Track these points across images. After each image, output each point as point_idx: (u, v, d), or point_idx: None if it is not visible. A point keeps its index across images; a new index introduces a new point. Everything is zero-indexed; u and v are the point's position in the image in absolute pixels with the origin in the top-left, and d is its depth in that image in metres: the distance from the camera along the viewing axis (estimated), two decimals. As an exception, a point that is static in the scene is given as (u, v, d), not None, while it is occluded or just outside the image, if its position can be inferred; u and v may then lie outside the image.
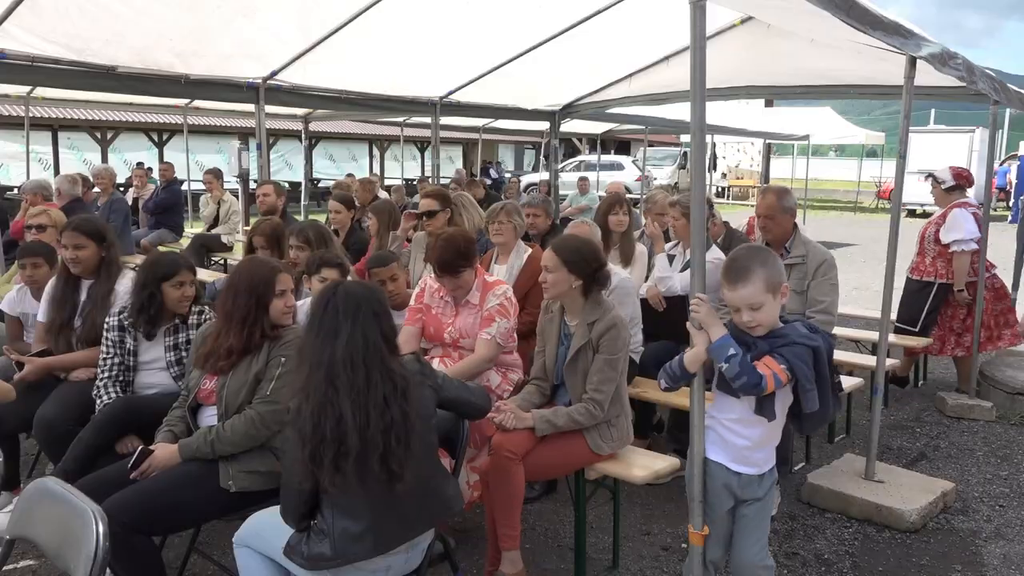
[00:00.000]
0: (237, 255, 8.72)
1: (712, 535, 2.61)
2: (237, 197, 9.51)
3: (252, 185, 8.68)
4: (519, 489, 3.08)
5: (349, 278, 3.82)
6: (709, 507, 2.61)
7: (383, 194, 10.50)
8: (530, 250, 4.62)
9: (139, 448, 2.78)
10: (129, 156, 21.20)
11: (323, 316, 2.30)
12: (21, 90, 8.44)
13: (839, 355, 5.16)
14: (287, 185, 8.24)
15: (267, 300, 2.87)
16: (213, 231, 9.07)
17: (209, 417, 2.95)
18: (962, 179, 5.58)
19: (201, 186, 9.77)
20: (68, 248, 3.67)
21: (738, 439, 2.55)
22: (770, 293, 2.43)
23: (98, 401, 3.28)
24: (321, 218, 6.22)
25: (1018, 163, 22.39)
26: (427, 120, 9.19)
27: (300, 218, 7.21)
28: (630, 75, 7.78)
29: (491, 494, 3.12)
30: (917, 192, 21.03)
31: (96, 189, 8.80)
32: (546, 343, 3.38)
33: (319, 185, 21.63)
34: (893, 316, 4.87)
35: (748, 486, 2.57)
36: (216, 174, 9.44)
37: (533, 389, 3.39)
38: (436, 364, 3.54)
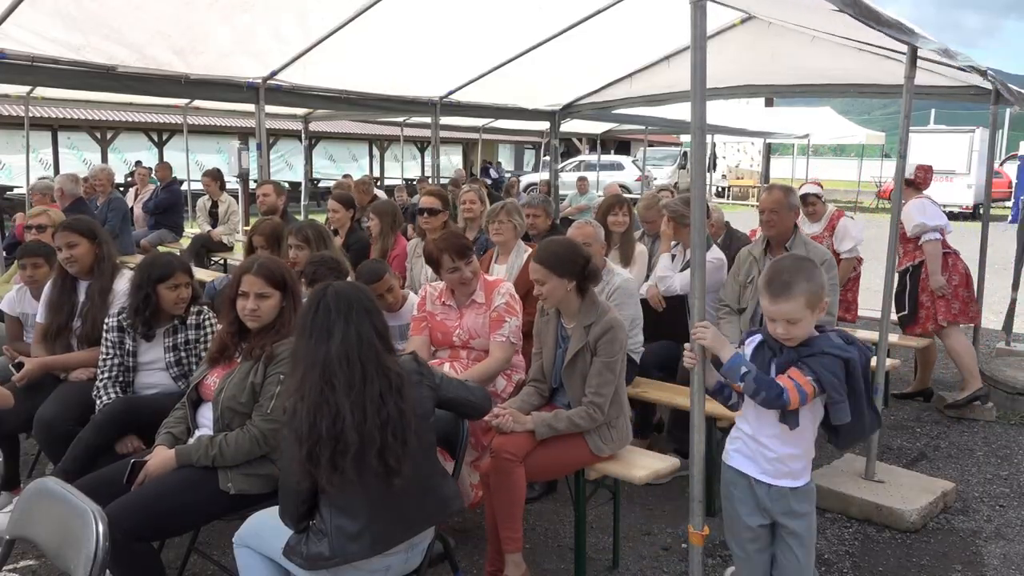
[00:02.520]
0: (237, 255, 8.72)
1: (748, 561, 2.54)
2: (237, 198, 9.50)
3: (252, 185, 8.68)
4: (520, 492, 3.07)
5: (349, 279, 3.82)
6: (734, 521, 2.54)
7: (381, 194, 10.47)
8: (530, 250, 4.61)
9: (132, 462, 2.77)
10: (129, 156, 21.23)
11: (315, 317, 2.30)
12: (21, 90, 8.42)
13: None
14: (287, 185, 8.23)
15: (233, 297, 2.95)
16: (213, 231, 9.08)
17: (207, 416, 2.95)
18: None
19: (201, 186, 9.78)
20: (62, 248, 3.68)
21: (766, 451, 2.47)
22: (809, 309, 2.34)
23: (98, 401, 3.28)
24: (321, 218, 6.21)
25: (1018, 163, 22.39)
26: (427, 120, 9.18)
27: (300, 218, 7.20)
28: (630, 75, 7.78)
29: (492, 497, 3.12)
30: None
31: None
32: (543, 345, 3.38)
33: (319, 185, 21.64)
34: (893, 316, 4.89)
35: (779, 499, 2.47)
36: (214, 176, 9.43)
37: (532, 391, 3.39)
38: (447, 368, 3.53)
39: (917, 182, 5.64)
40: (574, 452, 3.16)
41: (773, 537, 2.53)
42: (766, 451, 2.46)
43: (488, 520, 3.20)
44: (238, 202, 9.46)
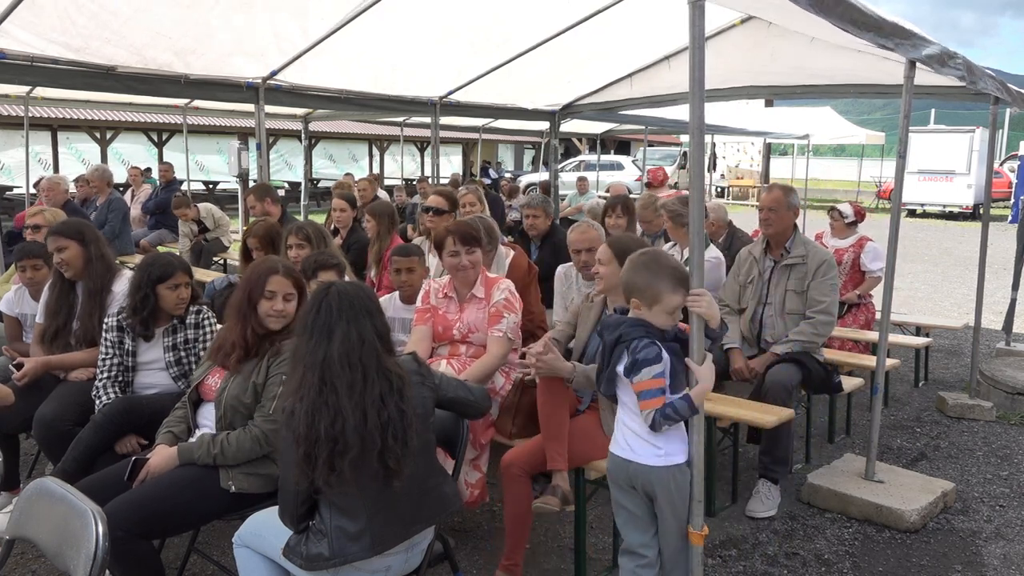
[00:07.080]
0: (235, 254, 8.74)
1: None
2: (236, 198, 9.51)
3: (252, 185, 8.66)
4: (564, 413, 3.10)
5: (347, 278, 3.82)
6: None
7: (382, 194, 10.47)
8: (512, 252, 4.60)
9: (133, 459, 2.78)
10: (129, 156, 21.20)
11: (316, 317, 2.29)
12: (21, 90, 8.42)
13: (839, 355, 5.17)
14: (287, 185, 8.23)
15: (255, 299, 2.88)
16: (209, 234, 9.09)
17: (208, 416, 2.95)
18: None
19: (201, 186, 9.76)
20: (54, 253, 3.69)
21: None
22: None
23: (97, 401, 3.28)
24: (320, 218, 6.21)
25: (1018, 163, 22.38)
26: (427, 120, 9.18)
27: (300, 219, 7.20)
28: (630, 75, 7.78)
29: (542, 412, 3.10)
30: (917, 192, 21.09)
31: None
32: (579, 327, 3.42)
33: (319, 185, 21.64)
34: (893, 317, 4.89)
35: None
36: (186, 203, 9.26)
37: (557, 343, 3.42)
38: (443, 366, 3.53)
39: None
40: (596, 440, 3.10)
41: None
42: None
43: (507, 514, 3.16)
44: (236, 202, 9.47)
